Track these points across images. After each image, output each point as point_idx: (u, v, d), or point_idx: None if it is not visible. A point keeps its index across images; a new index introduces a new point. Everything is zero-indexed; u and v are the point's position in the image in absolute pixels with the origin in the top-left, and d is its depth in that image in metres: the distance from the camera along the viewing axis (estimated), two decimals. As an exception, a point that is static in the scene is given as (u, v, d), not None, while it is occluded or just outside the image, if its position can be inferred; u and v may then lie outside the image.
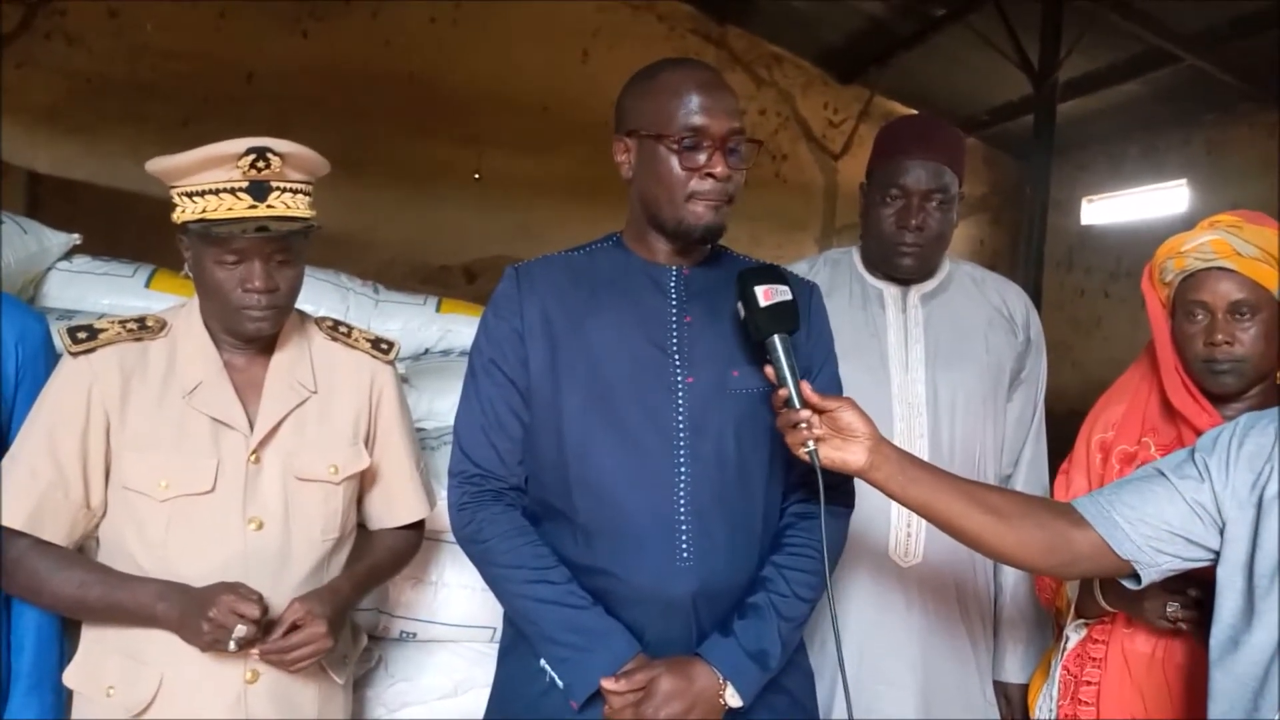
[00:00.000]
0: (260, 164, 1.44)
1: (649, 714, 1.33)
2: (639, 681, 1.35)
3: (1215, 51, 7.31)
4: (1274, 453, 1.24)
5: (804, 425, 1.29)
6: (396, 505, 1.71)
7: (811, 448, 1.29)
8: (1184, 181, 8.57)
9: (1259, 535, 1.22)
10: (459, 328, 2.32)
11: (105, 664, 1.50)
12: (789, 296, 1.37)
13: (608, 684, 1.35)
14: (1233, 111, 7.99)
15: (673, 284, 1.49)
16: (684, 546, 1.41)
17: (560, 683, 1.40)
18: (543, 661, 1.43)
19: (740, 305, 1.37)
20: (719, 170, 1.39)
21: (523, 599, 1.43)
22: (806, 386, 1.31)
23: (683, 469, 1.42)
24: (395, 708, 1.96)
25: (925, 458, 1.81)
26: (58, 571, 1.46)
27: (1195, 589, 1.51)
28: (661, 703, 1.34)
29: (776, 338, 1.33)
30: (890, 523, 1.85)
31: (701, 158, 1.40)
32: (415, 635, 1.99)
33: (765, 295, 1.35)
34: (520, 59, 8.76)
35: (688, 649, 1.41)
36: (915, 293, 1.96)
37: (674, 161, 1.40)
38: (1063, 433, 1.91)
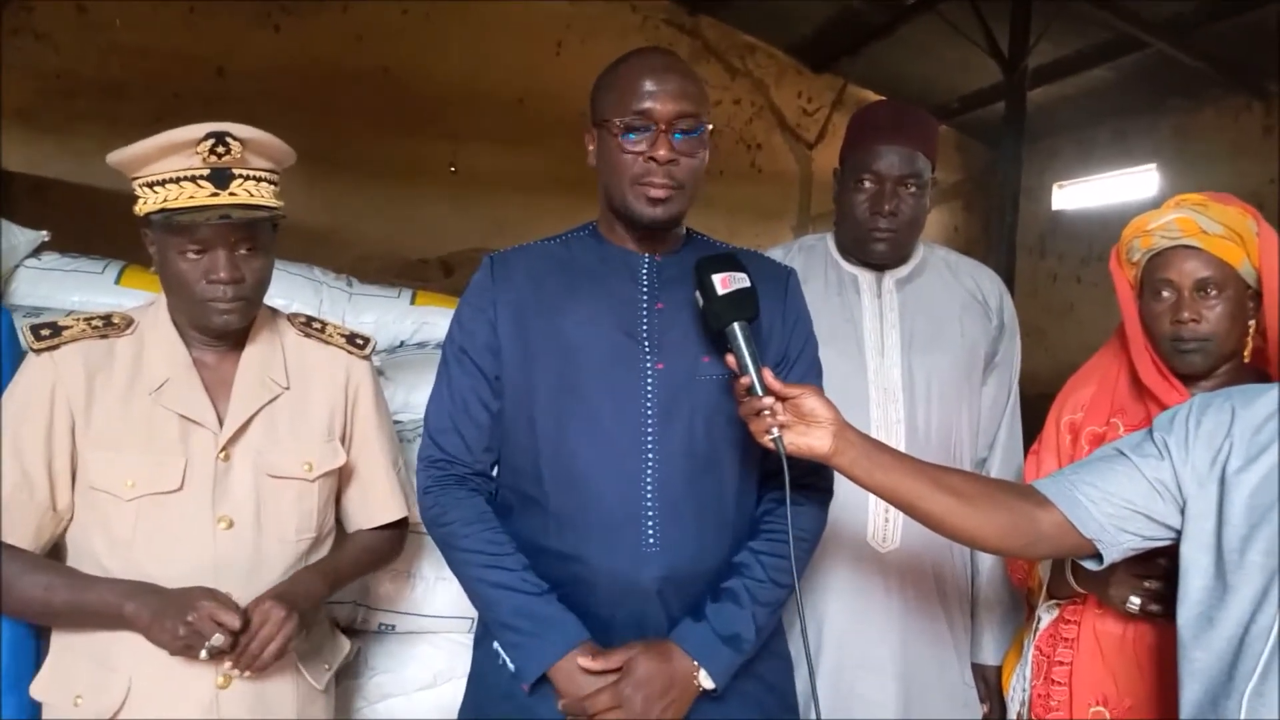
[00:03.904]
0: (220, 149, 1.42)
1: (627, 693, 1.35)
2: (616, 661, 1.36)
3: (1182, 37, 7.38)
4: (1232, 429, 1.25)
5: (767, 412, 1.29)
6: (372, 505, 1.69)
7: (775, 434, 1.29)
8: (1153, 166, 8.65)
9: (1225, 511, 1.22)
10: (434, 320, 2.30)
11: (73, 671, 1.47)
12: (747, 284, 1.36)
13: (585, 662, 1.36)
14: (1200, 96, 8.08)
15: (644, 271, 1.49)
16: (650, 533, 1.42)
17: (511, 666, 1.42)
18: (496, 644, 1.45)
19: (698, 294, 1.37)
20: (660, 153, 1.39)
21: (479, 583, 1.44)
22: (768, 373, 1.31)
23: (650, 455, 1.43)
24: (374, 700, 1.95)
25: (902, 443, 1.83)
26: (23, 575, 1.43)
27: (1153, 580, 1.53)
28: (640, 682, 1.35)
29: (736, 325, 1.33)
30: (868, 509, 1.85)
31: (644, 142, 1.40)
32: (394, 628, 1.98)
33: (723, 283, 1.35)
34: (494, 52, 8.74)
35: (656, 634, 1.42)
36: (890, 278, 1.96)
37: (619, 145, 1.41)
38: (1035, 416, 1.92)
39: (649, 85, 1.40)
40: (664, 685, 1.36)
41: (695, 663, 1.38)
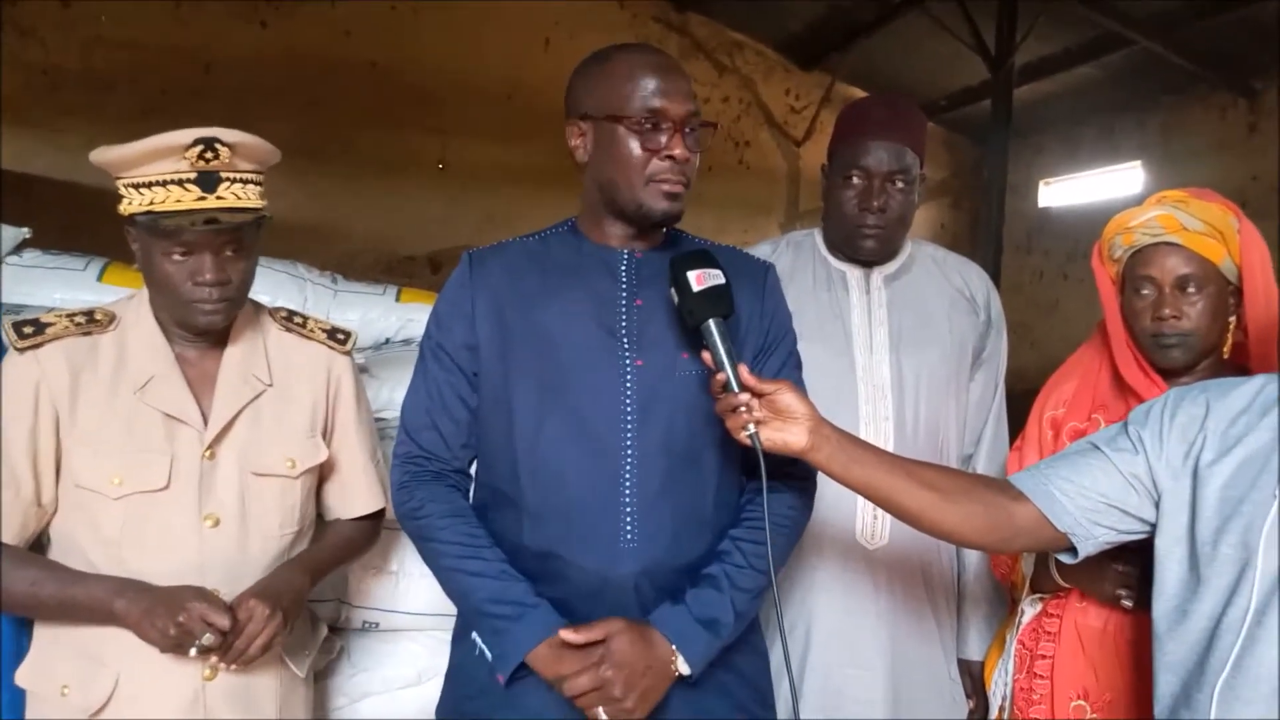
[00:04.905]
0: (209, 154, 1.41)
1: (608, 676, 1.33)
2: (598, 633, 1.35)
3: (1169, 35, 7.41)
4: (1206, 422, 1.26)
5: (743, 409, 1.29)
6: (352, 497, 1.71)
7: (752, 431, 1.29)
8: (1139, 163, 8.69)
9: (1198, 504, 1.23)
10: (419, 317, 2.29)
11: (59, 663, 1.47)
12: (722, 280, 1.36)
13: (566, 634, 1.34)
14: (1186, 93, 8.11)
15: (624, 268, 1.49)
16: (628, 528, 1.42)
17: (489, 655, 1.40)
18: (474, 635, 1.44)
19: (673, 291, 1.37)
20: (678, 151, 1.39)
21: (456, 573, 1.43)
22: (744, 370, 1.30)
23: (629, 452, 1.43)
24: (357, 698, 1.95)
25: (890, 439, 1.83)
26: (10, 570, 1.43)
27: (1123, 565, 1.54)
28: (621, 664, 1.33)
29: (711, 322, 1.33)
30: (857, 507, 1.85)
31: (662, 139, 1.40)
32: (377, 625, 1.98)
33: (698, 280, 1.34)
34: (483, 47, 8.71)
35: None
36: (878, 274, 1.95)
37: (634, 143, 1.40)
38: (1021, 412, 1.92)
39: (661, 84, 1.40)
40: (643, 668, 1.35)
41: (673, 647, 1.37)
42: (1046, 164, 9.84)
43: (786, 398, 1.30)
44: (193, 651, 1.36)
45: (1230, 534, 1.19)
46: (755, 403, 1.30)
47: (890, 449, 1.80)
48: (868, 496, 1.37)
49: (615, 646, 1.35)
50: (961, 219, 10.77)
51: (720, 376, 1.31)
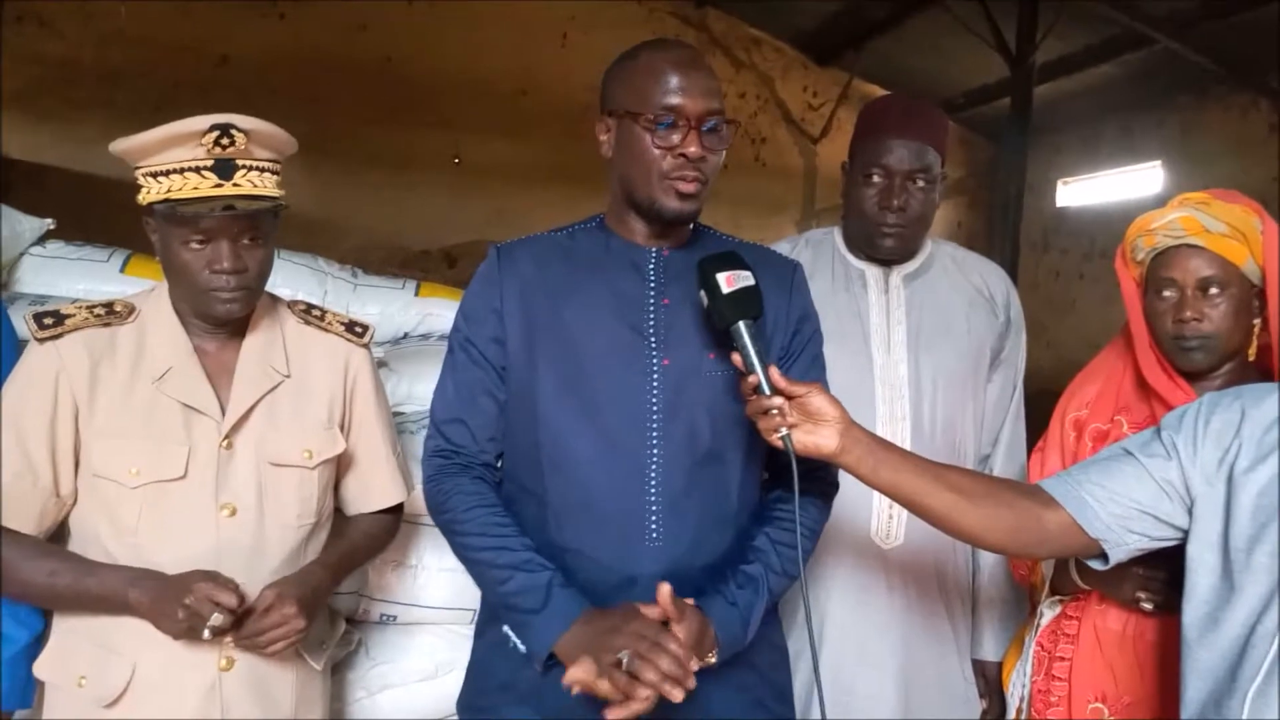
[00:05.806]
0: (225, 141, 1.42)
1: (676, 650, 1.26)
2: (674, 613, 1.29)
3: (1188, 34, 7.37)
4: (1241, 428, 1.24)
5: (775, 412, 1.28)
6: (372, 490, 1.71)
7: (784, 433, 1.29)
8: (1158, 163, 8.64)
9: (1232, 510, 1.22)
10: (438, 311, 2.31)
11: (76, 654, 1.48)
12: (752, 282, 1.35)
13: (661, 606, 1.27)
14: (1206, 93, 8.07)
15: (651, 266, 1.49)
16: (654, 527, 1.42)
17: (522, 647, 1.39)
18: (505, 628, 1.43)
19: (703, 294, 1.36)
20: (691, 150, 1.38)
21: (482, 565, 1.43)
22: (775, 372, 1.30)
23: (654, 450, 1.42)
24: (375, 690, 1.96)
25: (907, 438, 1.83)
26: (27, 560, 1.44)
27: (1164, 572, 1.52)
28: (694, 640, 1.29)
29: (741, 324, 1.32)
30: (872, 506, 1.85)
31: (675, 137, 1.39)
32: (396, 618, 1.99)
33: (727, 282, 1.33)
34: (497, 43, 8.74)
35: None
36: (897, 273, 1.95)
37: (648, 140, 1.40)
38: (1037, 412, 1.92)
39: (681, 81, 1.39)
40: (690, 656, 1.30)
41: (717, 644, 1.35)
42: (1065, 163, 9.80)
43: (817, 400, 1.30)
44: (206, 634, 1.37)
45: (1265, 542, 1.18)
46: (787, 406, 1.29)
47: (907, 448, 1.80)
48: (894, 498, 1.37)
49: (690, 628, 1.30)
50: (978, 218, 10.73)
51: (751, 379, 1.30)
